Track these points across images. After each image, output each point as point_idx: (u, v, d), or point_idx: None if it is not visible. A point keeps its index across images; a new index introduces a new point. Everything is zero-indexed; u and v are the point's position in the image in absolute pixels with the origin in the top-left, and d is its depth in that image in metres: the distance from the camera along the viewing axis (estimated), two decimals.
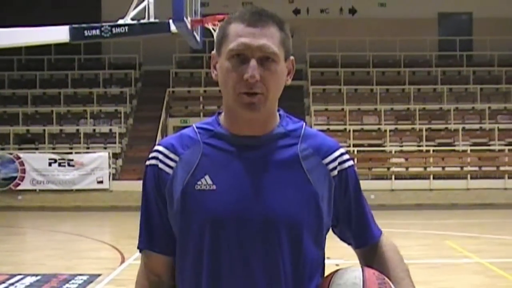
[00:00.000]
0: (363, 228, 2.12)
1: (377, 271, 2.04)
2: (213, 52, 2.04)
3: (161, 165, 2.02)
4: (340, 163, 2.05)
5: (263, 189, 1.95)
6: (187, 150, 2.01)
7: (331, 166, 2.03)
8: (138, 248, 2.10)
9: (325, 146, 2.05)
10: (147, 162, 2.06)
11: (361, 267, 2.05)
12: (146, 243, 2.07)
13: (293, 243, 1.96)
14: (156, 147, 2.06)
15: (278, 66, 1.96)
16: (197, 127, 2.06)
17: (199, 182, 1.97)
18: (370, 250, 2.14)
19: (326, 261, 2.07)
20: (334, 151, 2.05)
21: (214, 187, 1.96)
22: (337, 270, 2.04)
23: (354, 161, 18.09)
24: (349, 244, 2.18)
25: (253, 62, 1.91)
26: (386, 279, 2.02)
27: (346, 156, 2.07)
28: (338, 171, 2.04)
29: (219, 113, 2.08)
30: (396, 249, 2.16)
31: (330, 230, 2.12)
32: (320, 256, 2.05)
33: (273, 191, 1.96)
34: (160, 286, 2.08)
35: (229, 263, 1.94)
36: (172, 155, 2.02)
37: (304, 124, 2.09)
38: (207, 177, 1.97)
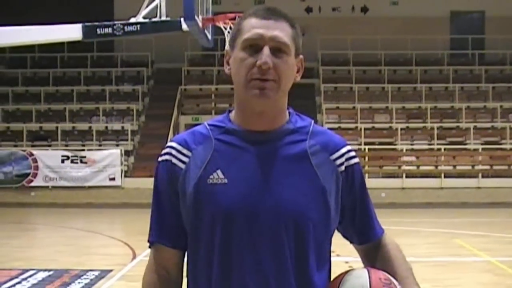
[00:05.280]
0: (366, 225, 2.17)
1: (382, 272, 2.07)
2: (226, 48, 2.12)
3: (174, 160, 2.07)
4: (347, 159, 2.10)
5: (273, 183, 2.01)
6: (199, 146, 2.07)
7: (338, 162, 2.08)
8: (148, 241, 2.13)
9: (332, 143, 2.10)
10: (160, 158, 2.11)
11: (368, 271, 2.07)
12: (157, 237, 2.11)
13: (301, 237, 2.01)
14: (169, 143, 2.12)
15: (289, 58, 2.03)
16: (208, 124, 2.12)
17: (211, 176, 2.02)
18: (372, 248, 2.19)
19: (336, 258, 2.11)
20: (342, 147, 2.11)
21: (225, 180, 2.01)
22: (342, 276, 2.07)
23: (365, 159, 17.97)
24: (351, 242, 2.22)
25: (266, 50, 1.98)
26: (392, 279, 2.05)
27: (353, 153, 2.13)
28: (345, 167, 2.09)
29: (230, 111, 2.13)
30: (399, 248, 2.20)
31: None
32: (327, 251, 2.09)
33: (283, 185, 2.01)
34: (168, 281, 2.11)
35: (239, 255, 1.99)
36: (185, 151, 2.07)
37: (313, 121, 2.14)
38: (219, 171, 2.02)
